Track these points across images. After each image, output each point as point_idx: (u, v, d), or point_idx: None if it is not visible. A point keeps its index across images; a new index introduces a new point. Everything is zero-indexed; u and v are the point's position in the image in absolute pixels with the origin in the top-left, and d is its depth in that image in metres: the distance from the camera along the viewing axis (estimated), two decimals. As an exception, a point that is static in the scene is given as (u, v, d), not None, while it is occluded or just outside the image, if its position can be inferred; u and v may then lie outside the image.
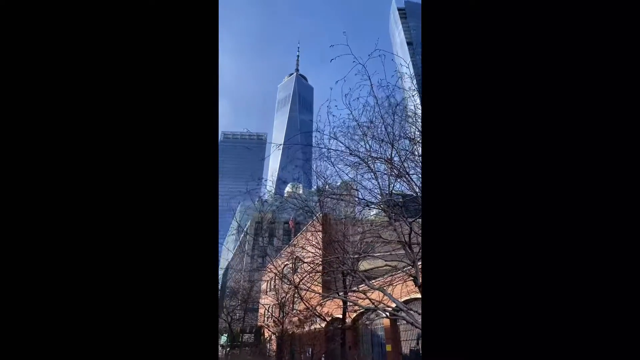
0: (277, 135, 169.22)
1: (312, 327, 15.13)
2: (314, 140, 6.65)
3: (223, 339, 26.52)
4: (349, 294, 9.50)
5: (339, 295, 9.50)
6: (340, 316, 12.46)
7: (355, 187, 7.14)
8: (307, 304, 11.56)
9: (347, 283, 10.60)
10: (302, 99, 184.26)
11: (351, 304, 9.45)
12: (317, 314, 12.48)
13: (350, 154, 6.06)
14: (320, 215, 9.39)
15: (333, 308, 13.70)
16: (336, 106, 5.81)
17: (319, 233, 9.56)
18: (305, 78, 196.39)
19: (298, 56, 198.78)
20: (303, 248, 8.79)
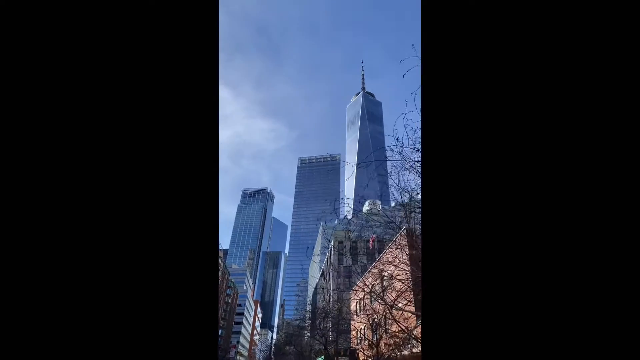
0: (350, 154, 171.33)
1: (412, 351, 14.20)
2: (392, 155, 6.52)
3: (319, 361, 26.64)
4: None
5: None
6: (440, 339, 11.39)
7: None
8: (401, 326, 10.95)
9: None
10: (371, 115, 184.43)
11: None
12: (413, 336, 11.70)
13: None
14: (405, 229, 8.99)
15: (431, 330, 12.64)
16: (411, 119, 5.73)
17: (406, 249, 9.12)
18: (372, 95, 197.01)
19: (363, 74, 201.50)
20: (395, 266, 8.45)
